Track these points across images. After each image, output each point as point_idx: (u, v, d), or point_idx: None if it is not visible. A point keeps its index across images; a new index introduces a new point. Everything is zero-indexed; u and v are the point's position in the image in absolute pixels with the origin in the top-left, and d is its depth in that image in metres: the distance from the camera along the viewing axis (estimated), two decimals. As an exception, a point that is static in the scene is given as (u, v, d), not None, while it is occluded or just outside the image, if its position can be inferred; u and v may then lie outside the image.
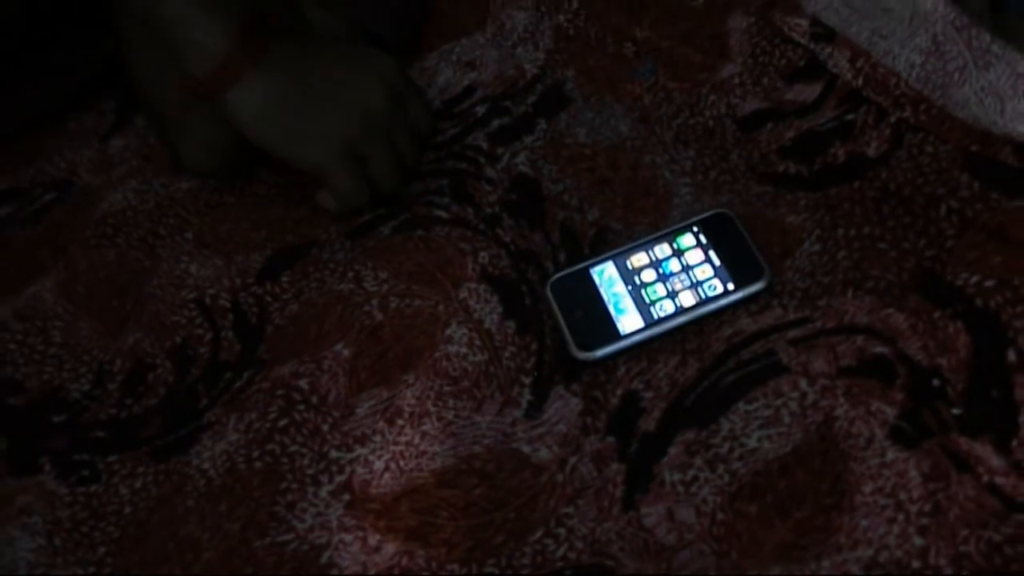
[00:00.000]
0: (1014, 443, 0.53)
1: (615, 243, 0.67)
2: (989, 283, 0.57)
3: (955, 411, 0.55)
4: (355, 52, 0.69)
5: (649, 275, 0.63)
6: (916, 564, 0.51)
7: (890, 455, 0.54)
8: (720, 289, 0.62)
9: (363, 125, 0.66)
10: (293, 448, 0.61)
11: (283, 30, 0.66)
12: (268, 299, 0.68)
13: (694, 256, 0.64)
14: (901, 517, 0.52)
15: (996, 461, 0.53)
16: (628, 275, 0.64)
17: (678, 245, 0.64)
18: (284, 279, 0.69)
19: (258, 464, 0.61)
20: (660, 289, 0.63)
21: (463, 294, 0.65)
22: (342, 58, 0.67)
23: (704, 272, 0.63)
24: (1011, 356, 0.55)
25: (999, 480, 0.52)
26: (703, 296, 0.62)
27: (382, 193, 0.70)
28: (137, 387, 0.66)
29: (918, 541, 0.51)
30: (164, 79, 0.67)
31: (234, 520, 0.60)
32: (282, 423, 0.62)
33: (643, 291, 0.63)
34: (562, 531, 0.56)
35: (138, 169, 0.77)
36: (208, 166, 0.73)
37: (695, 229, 0.65)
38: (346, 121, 0.66)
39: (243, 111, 0.64)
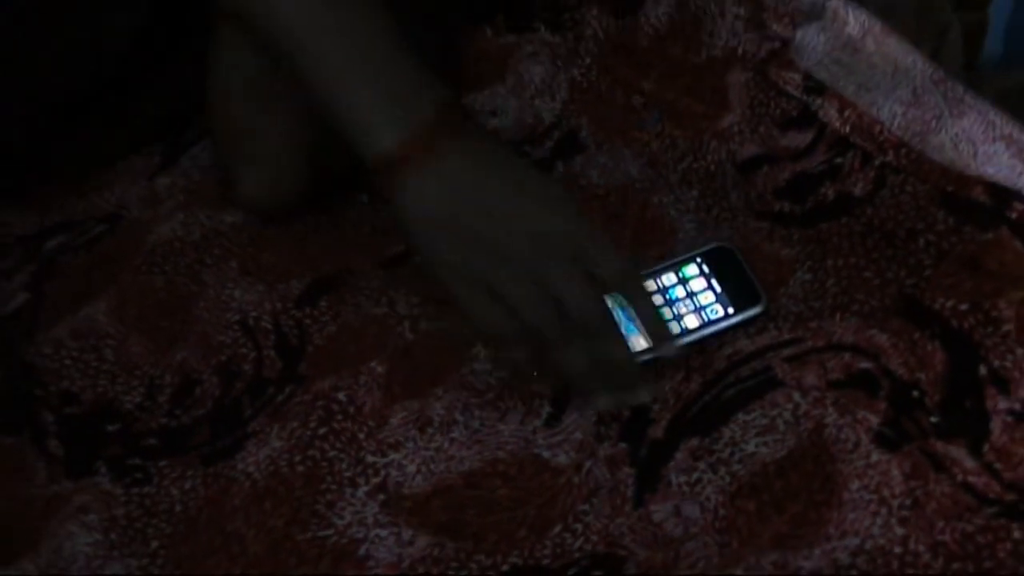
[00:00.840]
0: (986, 447, 0.61)
1: (626, 274, 0.74)
2: (963, 307, 0.65)
3: (933, 419, 0.62)
4: (531, 176, 0.67)
5: (657, 300, 0.71)
6: (898, 550, 0.58)
7: (874, 457, 0.61)
8: (721, 313, 0.70)
9: (515, 266, 0.63)
10: (332, 453, 0.69)
11: (462, 125, 0.66)
12: (307, 322, 0.76)
13: (697, 284, 0.72)
14: (884, 511, 0.59)
15: (970, 463, 0.60)
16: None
17: (683, 274, 0.72)
18: (322, 304, 0.77)
19: (300, 468, 0.68)
20: (667, 312, 0.70)
21: (487, 317, 0.73)
22: (517, 181, 0.65)
23: (707, 298, 0.71)
24: (983, 371, 0.63)
25: (972, 479, 0.60)
26: (706, 319, 0.70)
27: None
28: (185, 399, 0.73)
29: (899, 531, 0.58)
30: (265, 120, 0.75)
31: (278, 517, 0.66)
32: (322, 431, 0.69)
33: None
34: (579, 526, 0.64)
35: (184, 205, 0.85)
36: (266, 204, 0.80)
37: (699, 260, 0.73)
38: (499, 258, 0.63)
39: (412, 201, 0.63)
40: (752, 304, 0.70)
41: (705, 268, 0.72)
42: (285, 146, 0.78)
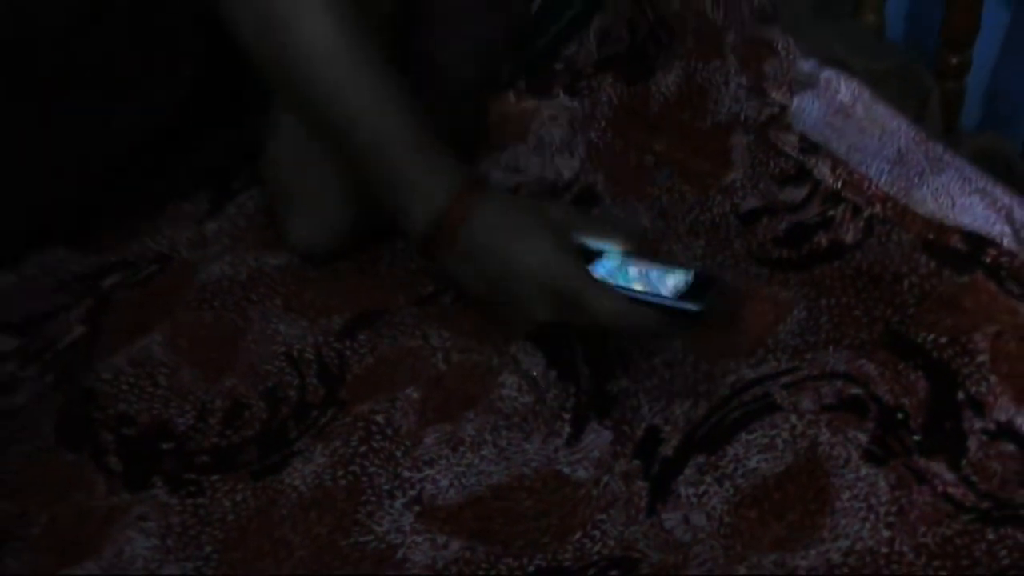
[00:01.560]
0: (963, 462, 0.69)
1: (638, 311, 0.83)
2: (943, 340, 0.74)
3: (916, 438, 0.71)
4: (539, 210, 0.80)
5: (633, 272, 0.76)
6: (884, 551, 0.66)
7: (863, 471, 0.70)
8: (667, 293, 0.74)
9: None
10: (372, 469, 0.77)
11: (480, 192, 0.79)
12: (347, 353, 0.84)
13: (673, 277, 0.77)
14: (872, 517, 0.68)
15: (949, 476, 0.69)
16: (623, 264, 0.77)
17: (670, 270, 0.77)
18: (361, 337, 0.85)
19: (342, 482, 0.76)
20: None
21: (513, 350, 0.82)
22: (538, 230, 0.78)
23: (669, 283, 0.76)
24: (960, 396, 0.72)
25: (951, 490, 0.68)
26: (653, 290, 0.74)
27: None
28: (235, 422, 0.81)
29: (886, 534, 0.67)
30: (316, 175, 0.85)
31: (322, 525, 0.74)
32: (362, 449, 0.78)
33: (622, 271, 0.76)
34: (597, 533, 0.71)
35: (230, 247, 0.94)
36: (314, 250, 0.90)
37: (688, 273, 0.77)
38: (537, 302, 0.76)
39: (452, 263, 0.79)
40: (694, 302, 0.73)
41: (688, 277, 0.74)
42: (333, 199, 0.88)
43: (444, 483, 0.75)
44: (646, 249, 0.79)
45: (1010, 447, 0.69)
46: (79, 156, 0.93)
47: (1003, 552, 0.64)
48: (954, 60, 0.94)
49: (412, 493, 0.75)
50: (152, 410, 0.83)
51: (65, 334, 0.89)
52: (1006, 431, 0.70)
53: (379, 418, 0.79)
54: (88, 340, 0.88)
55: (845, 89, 0.89)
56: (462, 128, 0.94)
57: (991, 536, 0.65)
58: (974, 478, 0.68)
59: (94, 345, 0.88)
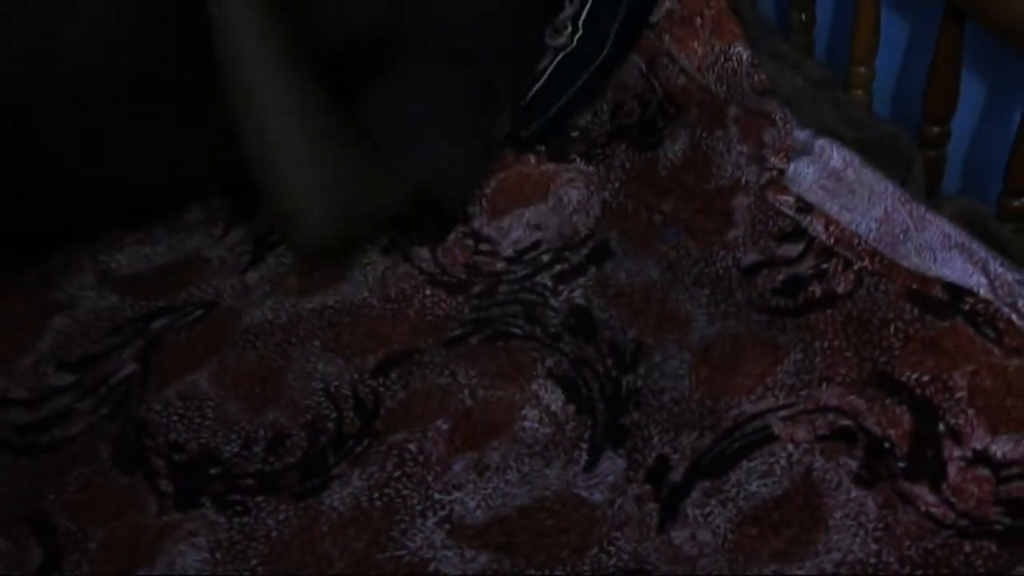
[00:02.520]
0: (944, 486, 0.78)
1: (649, 356, 0.93)
2: (925, 378, 0.83)
3: (901, 464, 0.80)
4: None
5: None
6: (873, 562, 0.75)
7: (853, 493, 0.79)
8: None
9: None
10: (405, 492, 0.85)
11: None
12: (381, 389, 0.93)
13: None
14: (862, 533, 0.76)
15: (930, 497, 0.78)
16: None
17: None
18: (393, 375, 0.94)
19: (378, 503, 0.85)
20: None
21: (535, 387, 0.91)
22: None
23: None
24: (941, 427, 0.81)
25: (933, 510, 0.77)
26: None
27: None
28: (277, 450, 0.90)
29: (874, 547, 0.75)
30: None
31: (360, 541, 0.83)
32: (396, 474, 0.86)
33: None
34: (612, 548, 0.80)
35: (270, 293, 1.03)
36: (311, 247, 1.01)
37: None
38: None
39: None
40: None
41: None
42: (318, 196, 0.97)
43: (472, 504, 0.84)
44: None
45: (985, 472, 0.78)
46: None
47: (979, 562, 0.73)
48: (935, 131, 1.04)
49: (442, 513, 0.84)
50: (200, 439, 0.91)
51: (118, 371, 0.98)
52: (982, 458, 0.79)
53: (411, 446, 0.88)
54: (139, 376, 0.98)
55: (837, 156, 0.99)
56: (460, 170, 1.04)
57: (968, 549, 0.74)
58: (953, 499, 0.77)
59: (145, 381, 0.97)
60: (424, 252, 1.04)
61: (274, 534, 0.84)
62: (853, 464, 0.80)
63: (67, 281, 1.07)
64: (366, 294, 1.02)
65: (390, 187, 1.00)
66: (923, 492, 0.78)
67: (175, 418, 0.93)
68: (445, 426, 0.89)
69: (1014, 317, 0.84)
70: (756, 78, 1.08)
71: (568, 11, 1.15)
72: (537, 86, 1.13)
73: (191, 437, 0.92)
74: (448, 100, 1.03)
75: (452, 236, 1.05)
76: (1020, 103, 0.93)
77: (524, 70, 1.13)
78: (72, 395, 0.96)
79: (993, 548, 0.73)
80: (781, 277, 0.95)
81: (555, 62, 1.13)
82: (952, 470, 0.79)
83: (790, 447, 0.82)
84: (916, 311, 0.87)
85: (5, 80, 1.00)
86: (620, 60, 1.15)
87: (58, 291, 1.06)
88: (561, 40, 1.14)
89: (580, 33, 1.13)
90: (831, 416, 0.83)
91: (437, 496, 0.85)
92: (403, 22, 1.03)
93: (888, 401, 0.83)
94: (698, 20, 1.13)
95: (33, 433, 0.94)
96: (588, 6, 1.13)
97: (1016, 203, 0.97)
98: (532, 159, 1.11)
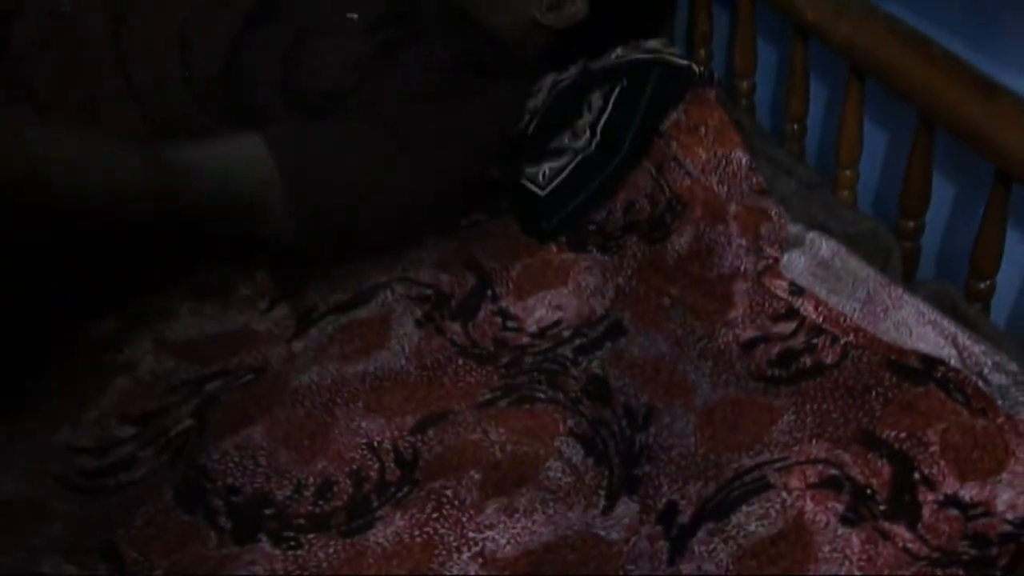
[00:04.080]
0: (919, 525, 0.93)
1: (659, 417, 1.08)
2: (903, 435, 0.98)
3: (882, 507, 0.94)
4: None
5: None
6: (856, 587, 0.89)
7: (840, 531, 0.93)
8: None
9: None
10: (442, 531, 0.99)
11: None
12: (419, 445, 1.07)
13: None
14: (847, 564, 0.90)
15: (907, 534, 0.92)
16: None
17: None
18: (430, 432, 1.08)
19: (418, 540, 0.98)
20: None
21: (557, 443, 1.05)
22: None
23: None
24: (916, 476, 0.96)
25: (910, 545, 0.91)
26: None
27: None
28: (326, 494, 1.04)
29: (858, 575, 0.89)
30: None
31: (402, 570, 0.96)
32: (434, 516, 1.00)
33: None
34: (628, 578, 0.94)
35: (316, 360, 1.18)
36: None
37: None
38: None
39: None
40: None
41: None
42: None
43: (502, 541, 0.98)
44: None
45: (954, 512, 0.93)
46: None
47: (948, 587, 0.88)
48: (911, 225, 1.22)
49: (476, 548, 0.97)
50: (255, 484, 1.05)
51: (176, 425, 1.12)
52: (952, 501, 0.93)
53: (448, 492, 1.02)
54: (197, 430, 1.12)
55: (826, 247, 1.16)
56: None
57: (940, 575, 0.88)
58: (927, 536, 0.92)
59: (202, 434, 1.11)
60: (456, 326, 1.20)
61: (324, 564, 0.97)
62: (840, 507, 0.94)
63: (126, 346, 1.21)
64: (404, 362, 1.17)
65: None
66: (901, 530, 0.92)
67: (231, 465, 1.07)
68: (478, 475, 1.03)
69: (980, 383, 1.00)
70: (754, 180, 1.25)
71: (586, 118, 1.33)
72: (557, 182, 1.30)
73: (247, 482, 1.05)
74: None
75: (482, 313, 1.21)
76: (983, 200, 1.11)
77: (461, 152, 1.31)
78: (134, 445, 1.10)
79: (961, 573, 0.88)
80: (776, 350, 1.10)
81: (574, 163, 1.31)
82: (926, 512, 0.93)
83: (784, 494, 0.97)
84: (895, 378, 1.03)
85: None
86: (632, 164, 1.33)
87: (118, 355, 1.20)
88: (580, 144, 1.32)
89: (597, 139, 1.31)
90: (820, 467, 0.98)
91: (471, 534, 0.98)
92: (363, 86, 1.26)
93: (870, 455, 0.98)
94: (703, 129, 1.31)
95: (99, 477, 1.08)
96: (605, 115, 1.32)
97: (981, 285, 1.13)
98: (554, 248, 1.27)
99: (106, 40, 1.27)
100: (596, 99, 1.35)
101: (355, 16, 1.33)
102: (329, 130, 1.24)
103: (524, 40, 1.39)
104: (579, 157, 1.31)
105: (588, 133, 1.32)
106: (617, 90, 1.33)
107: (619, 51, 1.38)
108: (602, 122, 1.32)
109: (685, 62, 1.36)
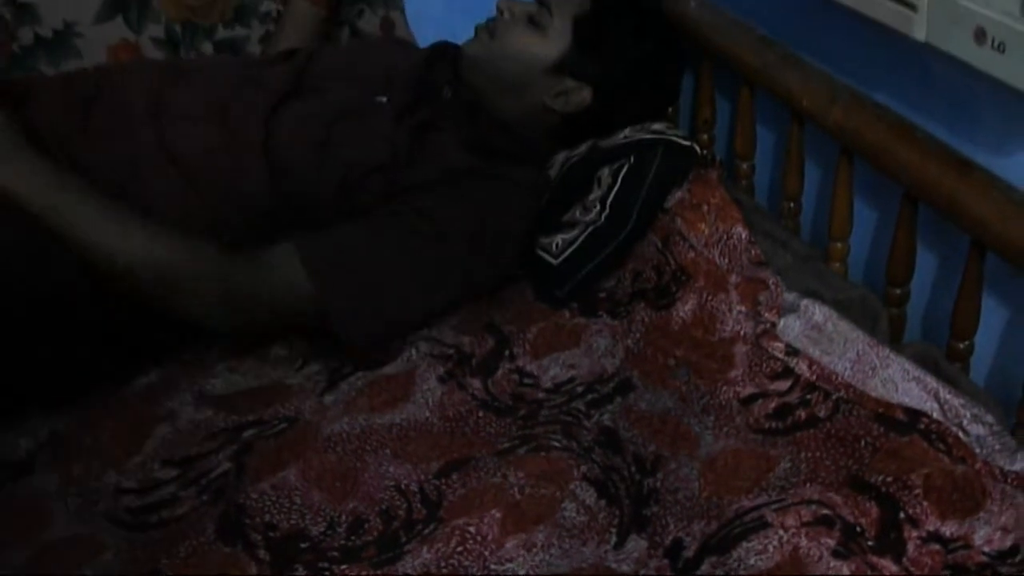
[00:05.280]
0: (904, 559, 1.04)
1: (666, 464, 1.19)
2: (889, 479, 1.10)
3: (870, 543, 1.05)
4: None
5: None
6: (846, 612, 1.00)
7: (832, 564, 1.04)
8: None
9: None
10: (466, 563, 1.10)
11: None
12: (444, 487, 1.19)
13: None
14: (839, 592, 1.02)
15: (894, 568, 1.03)
16: None
17: None
18: (454, 476, 1.20)
19: (444, 570, 1.09)
20: None
21: (572, 486, 1.16)
22: None
23: None
24: (902, 515, 1.07)
25: (895, 576, 1.03)
26: None
27: None
28: (358, 530, 1.15)
29: (848, 601, 1.00)
30: None
31: (430, 597, 1.07)
32: (458, 549, 1.11)
33: None
34: (638, 605, 1.05)
35: (345, 411, 1.30)
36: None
37: None
38: None
39: None
40: None
41: None
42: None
43: (521, 572, 1.08)
44: None
45: (936, 546, 1.04)
46: None
47: (930, 610, 0.99)
48: (897, 292, 1.35)
49: (498, 580, 1.08)
50: (291, 520, 1.16)
51: (215, 468, 1.23)
52: (934, 537, 1.05)
53: (471, 528, 1.12)
54: (235, 473, 1.23)
55: (819, 313, 1.29)
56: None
57: (921, 601, 0.99)
58: (912, 568, 1.03)
59: (240, 476, 1.22)
60: (477, 382, 1.32)
61: (356, 591, 1.08)
62: (832, 542, 1.05)
63: (167, 398, 1.33)
64: (428, 414, 1.29)
65: (283, 295, 1.33)
66: (888, 564, 1.03)
67: (269, 503, 1.18)
68: (498, 514, 1.14)
69: (960, 434, 1.12)
70: (753, 253, 1.39)
71: (596, 193, 1.47)
72: (569, 252, 1.43)
73: (283, 519, 1.16)
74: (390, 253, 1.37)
75: (500, 371, 1.33)
76: (962, 268, 1.24)
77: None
78: (176, 485, 1.22)
79: (942, 600, 0.99)
80: (773, 405, 1.23)
81: (585, 234, 1.44)
82: (911, 547, 1.04)
83: (781, 531, 1.08)
84: (882, 429, 1.15)
85: None
86: (639, 237, 1.46)
87: (159, 406, 1.32)
88: (590, 217, 1.45)
89: (607, 212, 1.45)
90: (814, 507, 1.09)
91: (493, 566, 1.09)
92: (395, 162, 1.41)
93: (859, 497, 1.09)
94: (705, 207, 1.45)
95: (144, 514, 1.19)
96: (614, 191, 1.46)
97: (960, 346, 1.26)
98: (567, 313, 1.40)
99: (146, 108, 1.43)
100: (605, 175, 1.49)
101: (384, 99, 1.48)
102: (360, 232, 1.38)
103: (535, 125, 1.54)
104: (589, 229, 1.44)
105: (598, 207, 1.45)
106: (625, 167, 1.48)
107: (627, 131, 1.53)
108: (611, 197, 1.45)
109: (688, 142, 1.51)
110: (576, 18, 1.51)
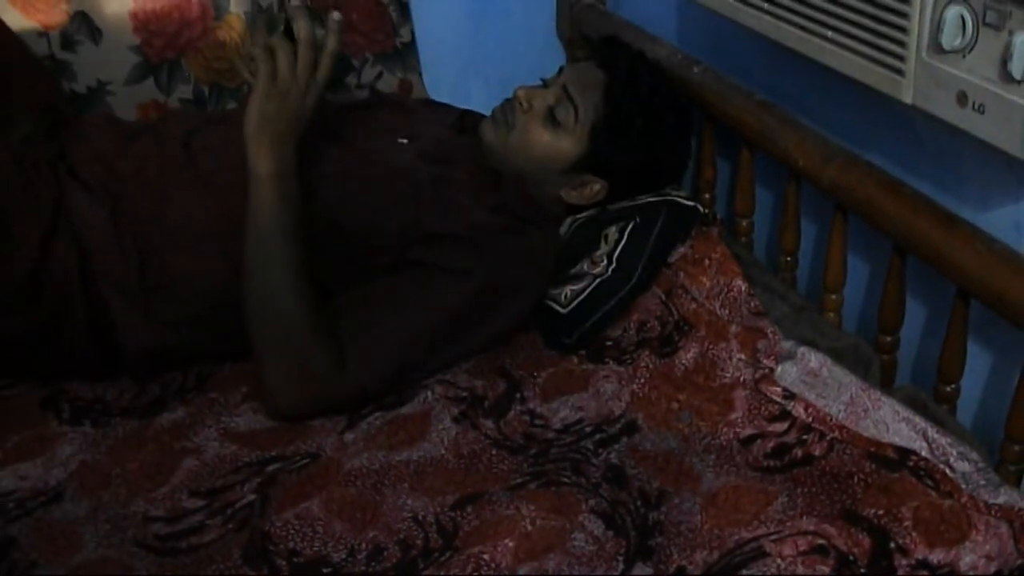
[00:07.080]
0: (894, 586, 1.12)
1: (670, 499, 1.27)
2: (880, 512, 1.18)
3: (862, 571, 1.13)
4: None
5: None
6: (841, 632, 1.08)
7: (827, 590, 1.12)
8: None
9: None
10: (480, 587, 1.18)
11: None
12: (459, 519, 1.27)
13: None
14: (834, 613, 1.09)
15: (884, 593, 1.11)
16: None
17: None
18: (468, 509, 1.28)
19: (460, 595, 1.17)
20: None
21: (581, 518, 1.25)
22: None
23: None
24: (892, 545, 1.15)
25: (886, 600, 1.11)
26: None
27: None
28: (377, 557, 1.23)
29: (842, 624, 1.08)
30: None
31: (446, 619, 1.15)
32: (474, 575, 1.19)
33: None
34: (644, 627, 1.12)
35: (365, 448, 1.38)
36: None
37: None
38: None
39: None
40: None
41: None
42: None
43: (533, 597, 1.16)
44: None
45: (924, 573, 1.12)
46: None
47: (917, 629, 1.07)
48: (888, 340, 1.44)
49: (510, 603, 1.16)
50: (313, 547, 1.24)
51: (240, 499, 1.31)
52: (922, 564, 1.13)
53: (485, 556, 1.20)
54: (259, 504, 1.31)
55: (814, 359, 1.38)
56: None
57: (911, 620, 1.07)
58: (901, 593, 1.11)
59: (264, 507, 1.30)
60: (489, 423, 1.41)
61: (375, 611, 1.16)
62: (826, 570, 1.14)
63: (194, 434, 1.42)
64: (443, 451, 1.37)
65: (339, 388, 1.43)
66: (879, 589, 1.12)
67: (292, 531, 1.26)
68: (511, 543, 1.22)
69: (947, 470, 1.21)
70: (752, 304, 1.48)
71: (604, 248, 1.57)
72: (577, 302, 1.53)
73: (306, 546, 1.24)
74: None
75: (512, 413, 1.42)
76: (947, 318, 1.33)
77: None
78: (203, 514, 1.29)
79: (929, 620, 1.07)
80: (771, 445, 1.31)
81: (592, 286, 1.54)
82: (901, 574, 1.12)
83: (779, 560, 1.16)
84: (873, 466, 1.23)
85: None
86: (644, 289, 1.56)
87: (186, 441, 1.41)
88: (598, 270, 1.55)
89: (614, 266, 1.55)
90: (809, 537, 1.17)
91: (506, 591, 1.17)
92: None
93: (852, 528, 1.18)
94: (707, 262, 1.55)
95: (172, 540, 1.26)
96: (621, 246, 1.55)
97: (947, 389, 1.35)
98: (575, 359, 1.49)
99: (181, 138, 1.55)
100: (612, 232, 1.59)
101: (405, 141, 1.59)
102: (387, 291, 1.48)
103: (553, 202, 1.64)
104: (597, 281, 1.54)
105: (605, 261, 1.55)
106: (631, 225, 1.58)
107: (634, 194, 1.64)
108: (618, 251, 1.56)
109: (691, 203, 1.62)
110: (595, 123, 1.57)
